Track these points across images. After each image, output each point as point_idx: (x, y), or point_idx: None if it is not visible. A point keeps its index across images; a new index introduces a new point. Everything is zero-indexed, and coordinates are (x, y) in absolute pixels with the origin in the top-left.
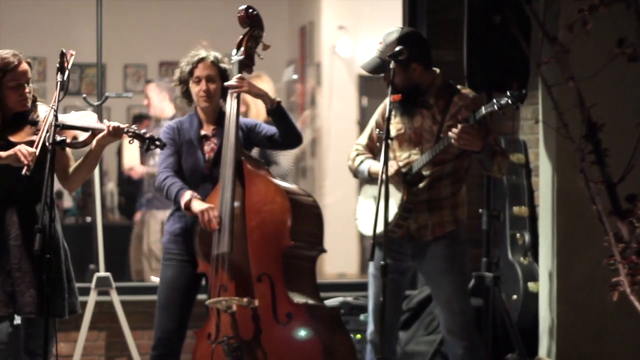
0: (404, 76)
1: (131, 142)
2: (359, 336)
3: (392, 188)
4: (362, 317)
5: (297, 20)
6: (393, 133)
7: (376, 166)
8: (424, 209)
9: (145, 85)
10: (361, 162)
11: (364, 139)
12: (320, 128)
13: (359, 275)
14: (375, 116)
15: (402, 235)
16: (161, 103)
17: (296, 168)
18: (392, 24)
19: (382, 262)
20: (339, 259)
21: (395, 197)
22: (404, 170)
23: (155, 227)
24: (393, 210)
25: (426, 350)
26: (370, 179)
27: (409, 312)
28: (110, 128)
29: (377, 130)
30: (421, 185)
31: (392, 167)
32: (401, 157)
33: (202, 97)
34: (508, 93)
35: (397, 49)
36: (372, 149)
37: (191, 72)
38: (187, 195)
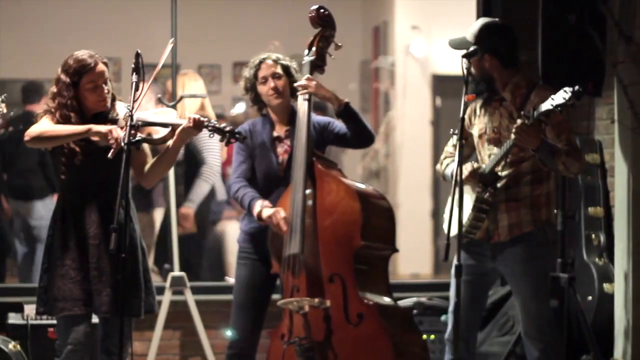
0: (477, 65)
1: (211, 135)
2: (432, 337)
3: (469, 189)
4: (443, 317)
5: (371, 20)
6: (476, 133)
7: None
8: (501, 209)
9: None
10: (447, 165)
11: (452, 141)
12: (394, 128)
13: (432, 276)
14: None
15: (482, 236)
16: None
17: (369, 168)
18: (466, 24)
19: (455, 263)
20: (413, 259)
21: (472, 199)
22: (480, 171)
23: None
24: (468, 211)
25: (500, 351)
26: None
27: (484, 312)
28: (191, 121)
29: (452, 130)
30: (498, 185)
31: (467, 169)
32: (484, 158)
33: (271, 95)
34: (564, 90)
35: (472, 48)
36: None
37: (256, 75)
38: (258, 206)
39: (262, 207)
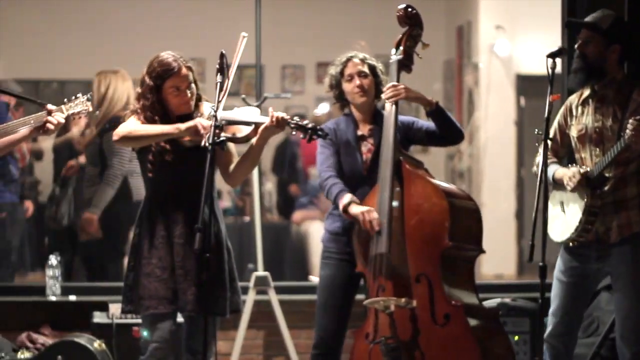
0: (598, 52)
1: (294, 133)
2: (516, 337)
3: (575, 194)
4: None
5: (455, 20)
6: (574, 133)
7: (561, 172)
8: (610, 210)
9: None
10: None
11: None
12: (478, 128)
13: (516, 277)
14: (558, 117)
15: (591, 238)
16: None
17: (453, 168)
18: (550, 23)
19: (540, 264)
20: (497, 260)
21: (579, 203)
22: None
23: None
24: (578, 216)
25: (585, 353)
26: (556, 184)
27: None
28: (274, 119)
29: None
30: (606, 187)
31: (575, 177)
32: (585, 159)
33: (357, 92)
34: None
35: (557, 48)
36: (557, 152)
37: (342, 72)
38: (347, 198)
39: (351, 201)
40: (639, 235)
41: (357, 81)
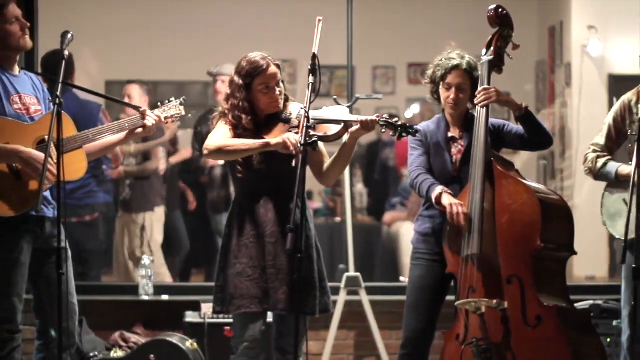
0: None
1: (384, 131)
2: (608, 339)
3: None
4: (614, 322)
5: (547, 20)
6: (636, 131)
7: (626, 168)
8: None
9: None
10: (604, 164)
11: (601, 139)
12: (570, 129)
13: (608, 279)
14: (612, 114)
15: None
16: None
17: (545, 169)
18: None
19: (633, 266)
20: (588, 262)
21: None
22: None
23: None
24: None
25: None
26: (618, 181)
27: None
28: (363, 120)
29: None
30: None
31: None
32: None
33: (449, 104)
34: None
35: None
36: (611, 149)
37: (443, 77)
38: (438, 189)
39: (443, 191)
40: None
41: (452, 94)
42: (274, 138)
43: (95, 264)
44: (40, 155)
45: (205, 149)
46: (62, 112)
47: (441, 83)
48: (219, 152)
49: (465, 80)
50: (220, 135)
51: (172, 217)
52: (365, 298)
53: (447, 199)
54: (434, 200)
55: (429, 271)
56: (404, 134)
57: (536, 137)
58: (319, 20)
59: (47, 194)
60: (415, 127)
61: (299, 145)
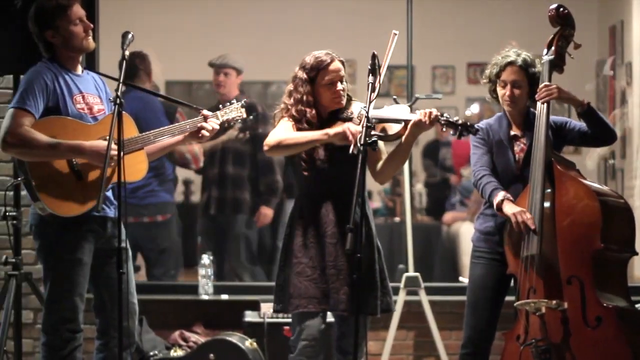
0: None
1: (444, 130)
2: None
3: None
4: None
5: (607, 19)
6: None
7: None
8: None
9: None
10: None
11: None
12: (631, 128)
13: None
14: None
15: None
16: None
17: (605, 169)
18: None
19: None
20: None
21: None
22: None
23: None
24: None
25: None
26: None
27: None
28: (424, 116)
29: None
30: None
31: None
32: None
33: (506, 101)
34: None
35: None
36: None
37: (498, 75)
38: (500, 196)
39: (505, 199)
40: None
41: (508, 91)
42: (335, 128)
43: (158, 264)
44: (103, 144)
45: (265, 145)
46: (124, 112)
47: (497, 81)
48: (278, 146)
49: (520, 77)
50: (281, 131)
51: None
52: (424, 298)
53: (509, 209)
54: (495, 207)
55: (490, 270)
56: (464, 133)
57: (600, 133)
58: (395, 34)
59: (109, 194)
60: (475, 125)
61: (359, 136)
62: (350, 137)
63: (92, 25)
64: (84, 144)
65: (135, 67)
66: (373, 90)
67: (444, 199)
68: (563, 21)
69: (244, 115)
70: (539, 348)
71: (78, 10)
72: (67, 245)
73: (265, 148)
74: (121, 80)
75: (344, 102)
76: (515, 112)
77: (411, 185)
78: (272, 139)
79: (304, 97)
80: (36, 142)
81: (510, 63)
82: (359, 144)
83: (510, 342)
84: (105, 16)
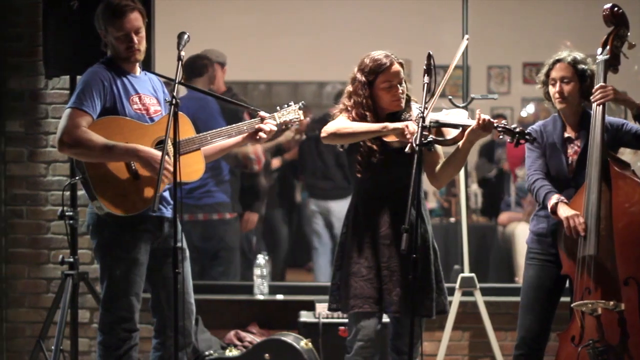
0: None
1: (501, 137)
2: None
3: None
4: None
5: None
6: None
7: None
8: None
9: None
10: None
11: None
12: None
13: None
14: None
15: None
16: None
17: None
18: None
19: None
20: None
21: None
22: None
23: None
24: None
25: None
26: None
27: None
28: (480, 121)
29: None
30: None
31: None
32: None
33: (557, 99)
34: None
35: None
36: None
37: (548, 74)
38: (554, 199)
39: (559, 202)
40: None
41: (557, 87)
42: (395, 123)
43: (214, 263)
44: (159, 154)
45: (323, 132)
46: (181, 113)
47: (547, 80)
48: (335, 134)
49: (569, 73)
50: (340, 120)
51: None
52: (480, 299)
53: (563, 211)
54: (549, 210)
55: (544, 271)
56: (521, 141)
57: None
58: (467, 38)
59: (166, 194)
60: (532, 134)
61: (413, 135)
62: (408, 135)
63: (136, 43)
64: (139, 148)
65: (201, 67)
66: (429, 90)
67: (498, 200)
68: (617, 21)
69: (301, 117)
70: (597, 349)
71: (129, 23)
72: (124, 244)
73: (323, 134)
74: (177, 81)
75: (402, 104)
76: (569, 111)
77: (466, 185)
78: (330, 127)
79: (364, 101)
80: (92, 143)
81: (559, 60)
82: (414, 144)
83: (565, 343)
84: (161, 16)
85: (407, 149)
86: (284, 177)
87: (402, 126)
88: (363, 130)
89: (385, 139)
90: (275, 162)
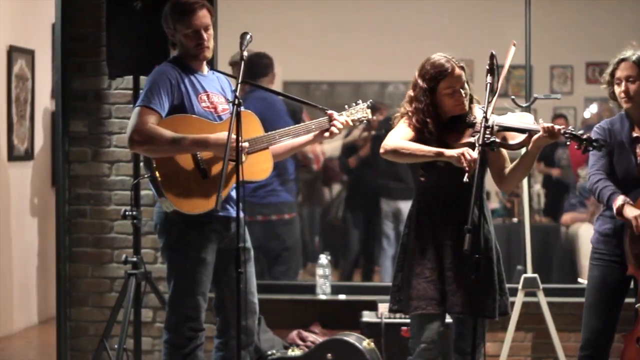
0: None
1: (568, 143)
2: None
3: None
4: None
5: None
6: None
7: None
8: None
9: None
10: None
11: None
12: None
13: None
14: None
15: None
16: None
17: None
18: None
19: None
20: None
21: None
22: None
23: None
24: None
25: None
26: None
27: None
28: (545, 128)
29: None
30: None
31: None
32: None
33: (622, 98)
34: None
35: None
36: None
37: (612, 74)
38: (620, 200)
39: (625, 203)
40: None
41: (622, 86)
42: (451, 150)
43: (278, 263)
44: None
45: (382, 147)
46: (250, 111)
47: (613, 80)
48: (394, 152)
49: (634, 72)
50: (401, 136)
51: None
52: (543, 299)
53: (630, 212)
54: (615, 211)
55: (608, 272)
56: (589, 148)
57: None
58: (514, 44)
59: (234, 193)
60: (600, 133)
61: (472, 164)
62: (464, 164)
63: (205, 40)
64: (209, 136)
65: (265, 67)
66: (491, 90)
67: (561, 200)
68: None
69: (370, 116)
70: None
71: (198, 20)
72: (191, 244)
73: (382, 151)
74: (240, 81)
75: (466, 107)
76: (636, 110)
77: (529, 185)
78: (390, 144)
79: (426, 107)
80: (161, 137)
81: (624, 59)
82: (477, 145)
83: (630, 345)
84: (224, 16)
85: (465, 178)
86: (360, 177)
87: (458, 155)
88: (420, 154)
89: (448, 141)
90: (352, 162)
